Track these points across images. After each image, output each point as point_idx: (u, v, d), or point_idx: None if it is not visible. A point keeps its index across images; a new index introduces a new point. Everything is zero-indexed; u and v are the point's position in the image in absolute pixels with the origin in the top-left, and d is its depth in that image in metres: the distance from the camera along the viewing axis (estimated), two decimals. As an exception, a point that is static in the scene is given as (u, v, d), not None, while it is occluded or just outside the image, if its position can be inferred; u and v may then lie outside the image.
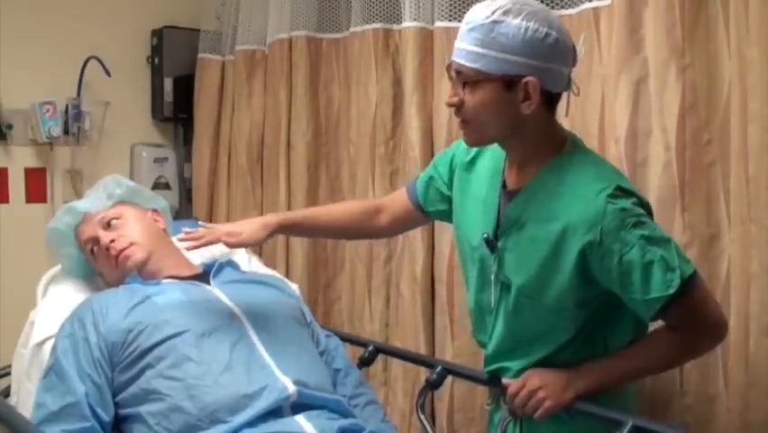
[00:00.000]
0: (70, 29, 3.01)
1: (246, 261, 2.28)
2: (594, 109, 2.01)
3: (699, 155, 1.83)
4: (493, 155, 1.72)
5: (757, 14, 1.68)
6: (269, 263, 2.57)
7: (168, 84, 3.18)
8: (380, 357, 2.17)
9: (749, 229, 1.72)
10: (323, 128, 2.84)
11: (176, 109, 3.20)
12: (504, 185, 1.67)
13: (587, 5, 2.05)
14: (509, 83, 1.49)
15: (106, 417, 1.65)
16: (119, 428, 1.68)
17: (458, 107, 1.55)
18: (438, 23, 2.40)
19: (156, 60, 3.19)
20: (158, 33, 3.18)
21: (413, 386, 2.46)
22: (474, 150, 1.75)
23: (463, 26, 1.54)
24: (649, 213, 1.55)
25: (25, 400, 1.82)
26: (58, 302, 1.99)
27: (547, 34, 1.49)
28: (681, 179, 1.84)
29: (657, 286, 1.47)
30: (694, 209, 1.84)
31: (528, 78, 1.49)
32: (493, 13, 1.50)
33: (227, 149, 3.09)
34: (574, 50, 1.57)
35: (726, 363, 1.80)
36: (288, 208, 2.85)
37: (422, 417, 1.93)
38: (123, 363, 1.68)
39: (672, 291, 1.46)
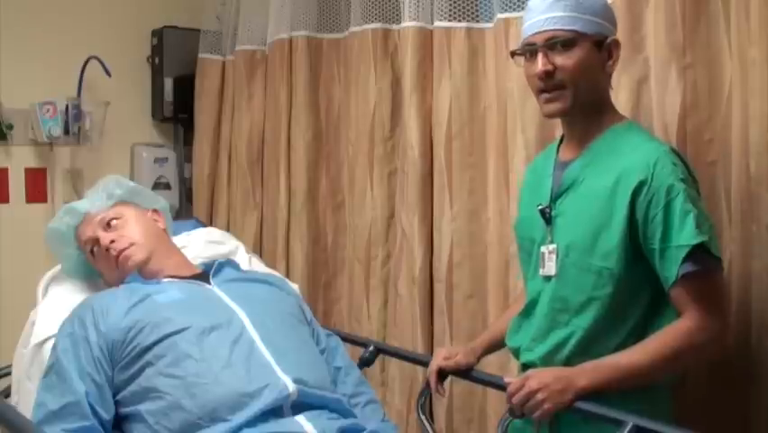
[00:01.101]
0: (70, 29, 3.01)
1: (246, 260, 2.28)
2: (595, 109, 2.01)
3: (701, 154, 1.83)
4: (547, 153, 1.83)
5: (758, 14, 1.68)
6: (269, 263, 2.57)
7: (168, 84, 3.18)
8: (378, 357, 2.17)
9: (750, 228, 1.72)
10: (323, 128, 2.84)
11: (176, 109, 3.20)
12: (558, 162, 1.75)
13: (587, 5, 2.04)
14: (599, 43, 1.65)
15: (107, 415, 1.65)
16: (119, 426, 1.68)
17: (551, 74, 1.64)
18: (437, 23, 2.40)
19: (156, 60, 3.20)
20: (158, 33, 3.19)
21: (410, 386, 2.46)
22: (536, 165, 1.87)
23: (545, 1, 1.66)
24: (696, 186, 1.63)
25: (26, 399, 1.82)
26: (58, 302, 1.99)
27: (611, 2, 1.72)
28: (683, 179, 1.84)
29: (688, 234, 1.52)
30: (695, 208, 1.84)
31: (613, 38, 1.67)
32: None
33: (227, 149, 3.09)
34: None
35: (727, 362, 1.80)
36: (288, 209, 2.86)
37: (422, 417, 1.93)
38: (124, 362, 1.68)
39: (695, 241, 1.51)
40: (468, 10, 2.37)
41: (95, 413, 1.63)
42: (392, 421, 2.01)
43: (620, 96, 1.92)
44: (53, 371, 1.69)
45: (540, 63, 1.63)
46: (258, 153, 2.99)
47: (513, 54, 1.74)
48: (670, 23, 1.84)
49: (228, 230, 2.86)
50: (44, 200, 2.99)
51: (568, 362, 1.64)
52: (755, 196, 1.71)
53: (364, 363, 2.08)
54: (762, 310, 1.71)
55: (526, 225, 1.79)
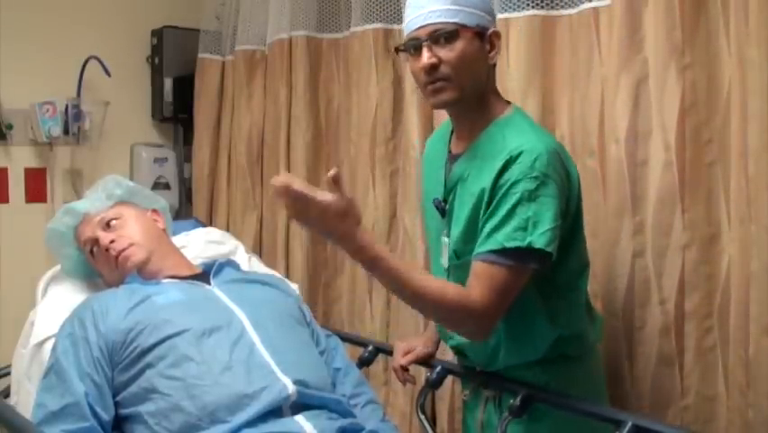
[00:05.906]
0: (70, 29, 3.01)
1: (246, 260, 2.28)
2: (594, 109, 2.01)
3: (700, 155, 1.83)
4: (440, 137, 1.86)
5: (757, 14, 1.68)
6: (270, 263, 2.57)
7: (168, 84, 3.18)
8: (382, 357, 2.17)
9: (749, 229, 1.72)
10: (323, 128, 2.84)
11: (176, 109, 3.20)
12: (450, 154, 1.78)
13: (587, 5, 2.04)
14: (480, 35, 1.67)
15: (106, 416, 1.65)
16: (119, 427, 1.68)
17: (436, 67, 1.65)
18: (438, 23, 2.39)
19: (156, 60, 3.20)
20: (158, 33, 3.19)
21: (413, 386, 2.46)
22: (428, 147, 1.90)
23: None
24: (570, 179, 1.65)
25: (25, 400, 1.82)
26: (58, 302, 1.99)
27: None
28: (682, 179, 1.84)
29: (504, 234, 1.57)
30: (694, 209, 1.84)
31: (493, 30, 1.69)
32: None
33: (227, 149, 3.09)
34: None
35: (727, 363, 1.80)
36: (288, 209, 2.86)
37: (421, 417, 1.94)
38: (123, 363, 1.68)
39: (508, 245, 1.56)
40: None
41: (94, 414, 1.63)
42: (392, 421, 2.01)
43: (620, 97, 1.92)
44: (53, 371, 1.70)
45: (425, 57, 1.64)
46: (258, 153, 2.99)
47: (397, 50, 1.76)
48: (669, 24, 1.84)
49: (228, 230, 2.86)
50: (44, 200, 2.99)
51: (496, 346, 1.71)
52: (754, 196, 1.70)
53: (364, 362, 2.09)
54: (761, 310, 1.70)
55: (428, 215, 1.84)
